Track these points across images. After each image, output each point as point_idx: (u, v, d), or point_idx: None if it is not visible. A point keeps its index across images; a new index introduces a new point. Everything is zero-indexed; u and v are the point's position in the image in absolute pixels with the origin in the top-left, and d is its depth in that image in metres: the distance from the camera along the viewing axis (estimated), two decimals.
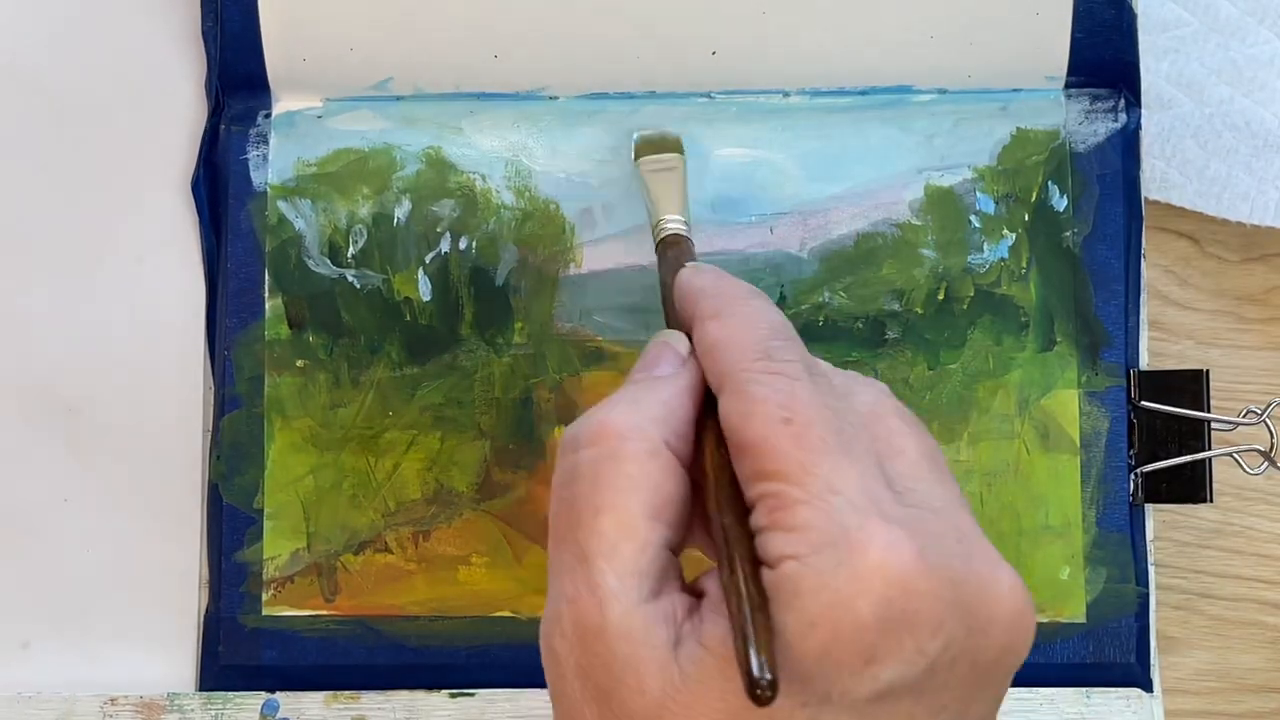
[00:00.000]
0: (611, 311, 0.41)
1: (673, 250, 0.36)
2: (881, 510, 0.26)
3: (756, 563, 0.26)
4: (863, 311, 0.41)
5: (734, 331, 0.29)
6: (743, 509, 0.27)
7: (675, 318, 0.32)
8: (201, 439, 0.41)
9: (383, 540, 0.40)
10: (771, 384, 0.28)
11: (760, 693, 0.24)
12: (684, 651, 0.26)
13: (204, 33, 0.42)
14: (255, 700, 0.40)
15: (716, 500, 0.28)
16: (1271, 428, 0.40)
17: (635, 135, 0.40)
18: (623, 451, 0.28)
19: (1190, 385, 0.40)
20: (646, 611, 0.27)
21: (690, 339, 0.31)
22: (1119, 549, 0.40)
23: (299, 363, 0.41)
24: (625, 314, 0.41)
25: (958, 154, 0.41)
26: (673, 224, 0.37)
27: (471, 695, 0.40)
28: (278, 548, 0.40)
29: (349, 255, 0.41)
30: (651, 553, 0.27)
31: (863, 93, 0.41)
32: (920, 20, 0.40)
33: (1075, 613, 0.40)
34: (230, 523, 0.41)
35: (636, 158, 0.40)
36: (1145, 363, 0.41)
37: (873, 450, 0.28)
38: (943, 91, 0.41)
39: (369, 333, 0.41)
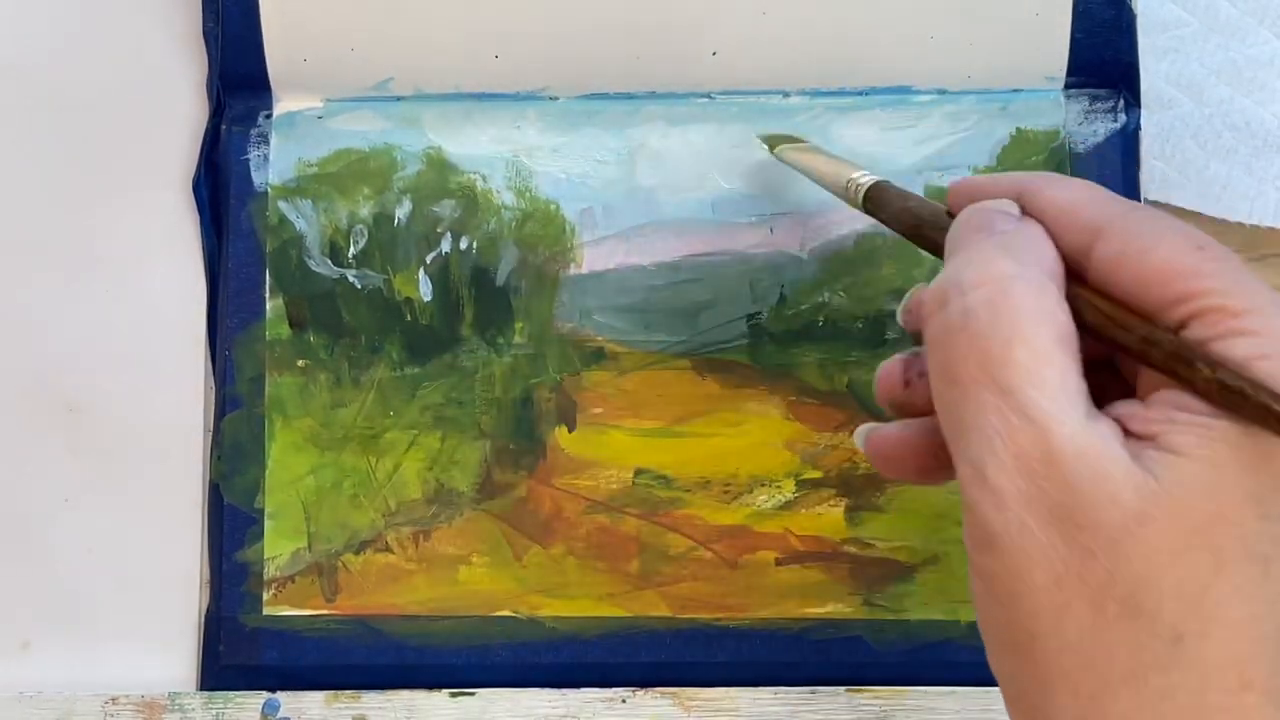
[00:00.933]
0: (611, 311, 0.41)
1: (888, 193, 0.35)
2: None
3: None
4: (863, 311, 0.41)
5: (1082, 190, 0.30)
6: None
7: (941, 236, 0.32)
8: (202, 439, 0.41)
9: (383, 540, 0.40)
10: (1162, 222, 0.28)
11: None
12: (1150, 459, 0.26)
13: (205, 33, 0.42)
14: (256, 700, 0.40)
15: (1126, 328, 0.28)
16: None
17: (758, 135, 0.41)
18: (1016, 288, 0.28)
19: None
20: (1091, 429, 0.26)
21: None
22: None
23: (300, 363, 0.41)
24: (625, 314, 0.41)
25: (957, 154, 0.41)
26: (865, 177, 0.36)
27: (471, 695, 0.40)
28: (278, 547, 0.41)
29: (350, 255, 0.41)
30: (1073, 378, 0.27)
31: (863, 93, 0.42)
32: (920, 20, 0.40)
33: None
34: (231, 522, 0.41)
35: (773, 149, 0.40)
36: None
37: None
38: (943, 91, 0.41)
39: (370, 333, 0.41)
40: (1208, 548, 0.26)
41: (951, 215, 0.32)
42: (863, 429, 0.33)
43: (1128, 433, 0.27)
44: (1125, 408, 0.28)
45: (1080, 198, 0.29)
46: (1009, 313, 0.27)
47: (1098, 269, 0.28)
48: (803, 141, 0.40)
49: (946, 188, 0.41)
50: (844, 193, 0.36)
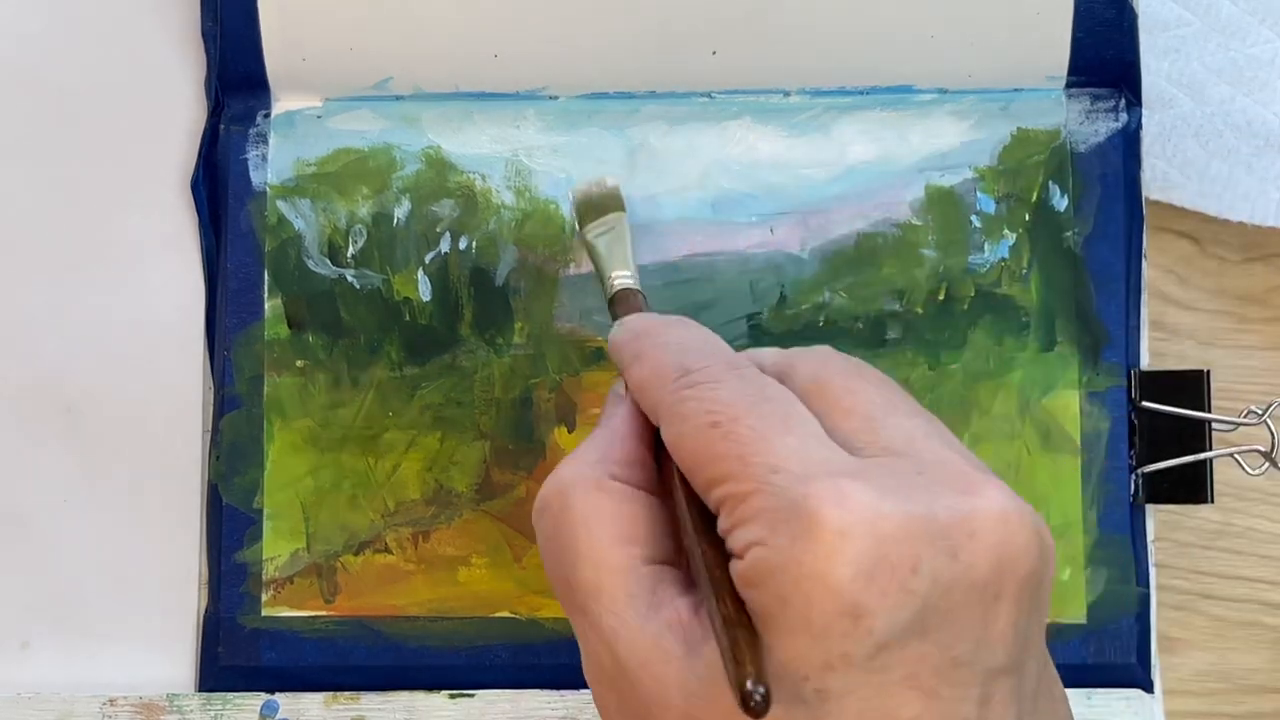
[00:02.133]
0: None
1: (621, 306, 0.37)
2: (829, 470, 0.26)
3: (726, 571, 0.27)
4: (863, 311, 0.41)
5: (651, 365, 0.30)
6: (710, 525, 0.28)
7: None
8: (201, 439, 0.41)
9: (382, 541, 0.40)
10: (694, 396, 0.28)
11: (754, 705, 0.25)
12: (700, 654, 0.27)
13: (204, 33, 0.42)
14: (255, 701, 0.40)
15: (682, 524, 0.29)
16: (1272, 428, 0.40)
17: (571, 193, 0.41)
18: (571, 499, 0.29)
19: (1191, 385, 0.40)
20: (649, 630, 0.27)
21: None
22: (1120, 550, 0.40)
23: (299, 363, 0.41)
24: None
25: (958, 154, 0.41)
26: (621, 279, 0.37)
27: (471, 695, 0.40)
28: (277, 548, 0.40)
29: (349, 255, 0.41)
30: (633, 575, 0.28)
31: (863, 92, 0.41)
32: (920, 20, 0.40)
33: (1076, 613, 0.40)
34: (230, 523, 0.41)
35: (580, 225, 0.40)
36: (1146, 363, 0.41)
37: (813, 419, 0.28)
38: (943, 91, 0.41)
39: (369, 333, 0.41)
40: None
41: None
42: None
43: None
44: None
45: (645, 378, 0.30)
46: (568, 529, 0.29)
47: (669, 452, 0.29)
48: (616, 211, 0.40)
49: (947, 188, 0.41)
50: (604, 289, 0.38)
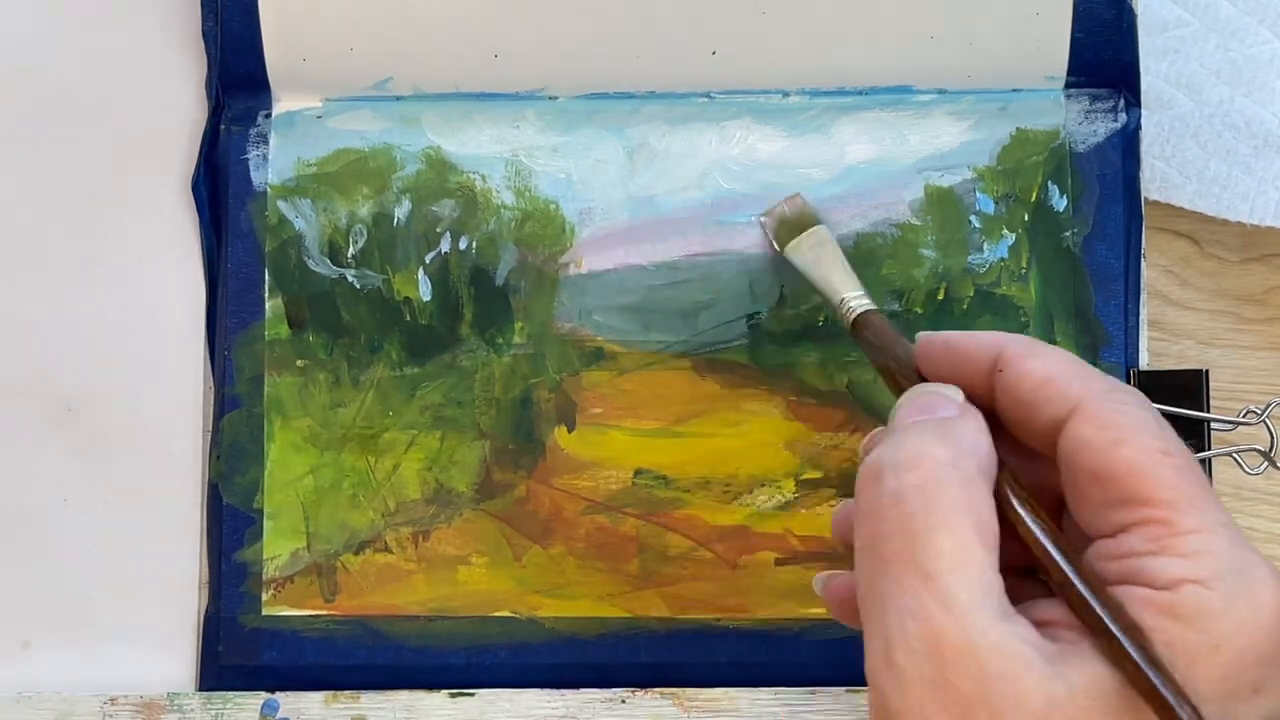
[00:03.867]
0: (611, 311, 0.41)
1: (872, 325, 0.36)
2: (1254, 548, 0.28)
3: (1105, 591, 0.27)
4: None
5: (1063, 363, 0.30)
6: (1077, 540, 0.28)
7: (907, 383, 0.33)
8: (201, 439, 0.41)
9: (382, 540, 0.40)
10: (1136, 415, 0.29)
11: None
12: (1064, 663, 0.27)
13: (204, 33, 0.42)
14: (255, 700, 0.40)
15: (1049, 541, 0.29)
16: (1271, 428, 0.40)
17: (759, 219, 0.40)
18: (948, 477, 0.28)
19: (1190, 385, 0.40)
20: (1006, 629, 0.27)
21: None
22: None
23: (299, 362, 0.41)
24: (625, 314, 0.41)
25: (957, 154, 0.41)
26: (858, 301, 0.37)
27: (471, 695, 0.40)
28: (278, 548, 0.40)
29: (349, 255, 0.41)
30: (990, 573, 0.28)
31: (863, 93, 0.41)
32: (920, 20, 0.40)
33: None
34: (230, 523, 0.41)
35: (781, 247, 0.40)
36: (1145, 363, 0.41)
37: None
38: (942, 91, 0.41)
39: (369, 332, 0.41)
40: None
41: (918, 372, 0.33)
42: (821, 576, 0.34)
43: (1052, 633, 0.28)
44: (1047, 610, 0.29)
45: (1060, 371, 0.30)
46: (939, 501, 0.28)
47: (1065, 447, 0.29)
48: (815, 225, 0.40)
49: (946, 188, 0.41)
50: (835, 309, 0.37)
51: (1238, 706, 0.26)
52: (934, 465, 0.29)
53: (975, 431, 0.30)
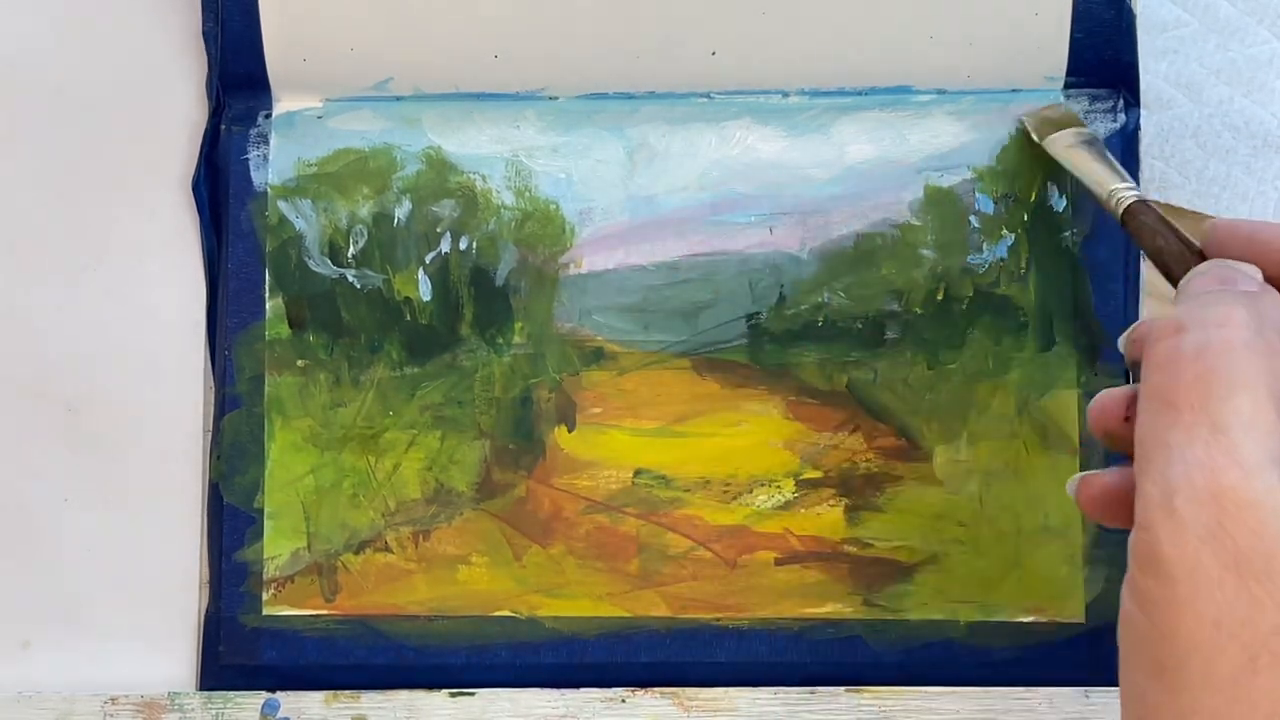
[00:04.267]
0: (611, 311, 0.41)
1: (1148, 212, 0.35)
2: None
3: None
4: (862, 311, 0.41)
5: None
6: None
7: (1188, 267, 0.33)
8: (202, 439, 0.41)
9: (383, 540, 0.40)
10: None
11: None
12: None
13: (204, 33, 0.42)
14: (255, 700, 0.40)
15: None
16: None
17: (1020, 116, 0.41)
18: (1252, 341, 0.28)
19: None
20: None
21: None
22: (1118, 548, 0.40)
23: (299, 362, 0.41)
24: (625, 314, 0.41)
25: (957, 154, 0.41)
26: (1128, 191, 0.36)
27: (471, 695, 0.40)
28: (278, 547, 0.41)
29: (349, 255, 0.41)
30: (1277, 441, 0.27)
31: (863, 93, 0.42)
32: (920, 20, 0.40)
33: (1075, 612, 0.40)
34: (230, 522, 0.41)
35: (1040, 138, 0.40)
36: None
37: None
38: (942, 91, 0.41)
39: (369, 332, 0.41)
40: None
41: (1200, 254, 0.33)
42: (1075, 478, 0.33)
43: None
44: None
45: None
46: (1241, 361, 0.28)
47: None
48: (1072, 125, 0.40)
49: (946, 188, 0.41)
50: (1105, 201, 0.37)
51: None
52: (1239, 327, 0.28)
53: (1275, 305, 0.30)
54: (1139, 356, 0.30)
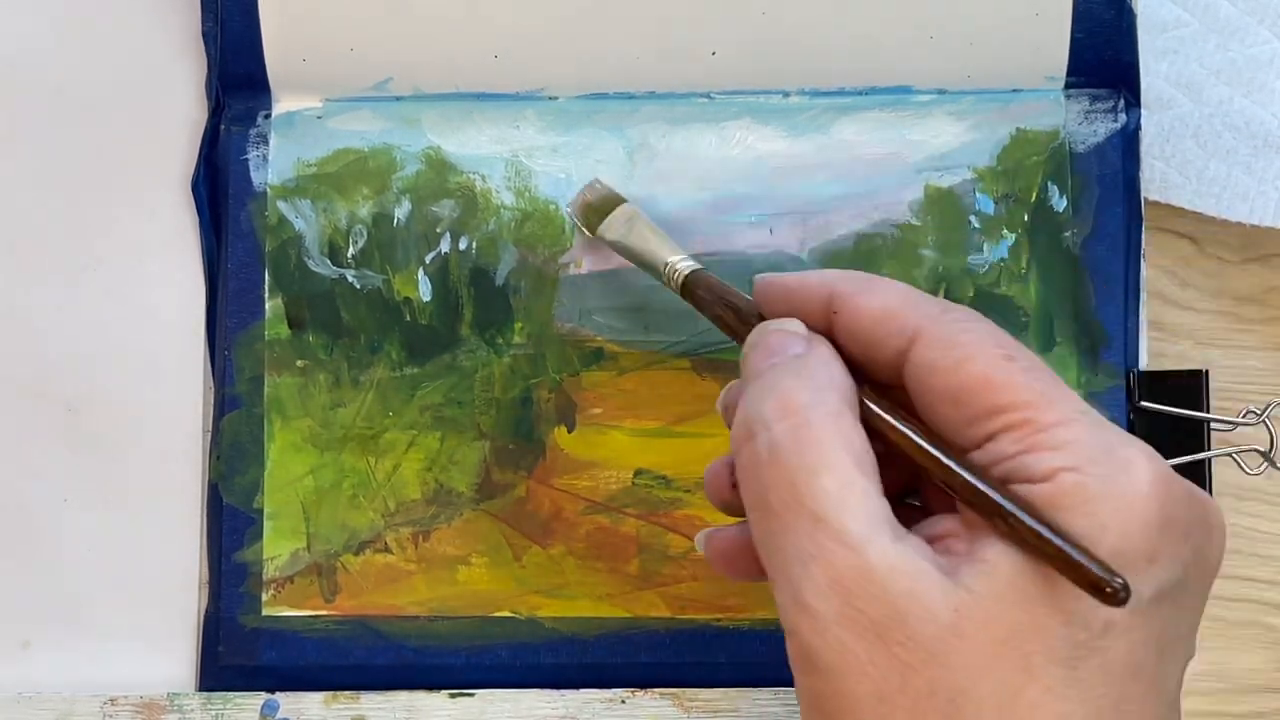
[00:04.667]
0: (611, 311, 0.41)
1: (702, 281, 0.36)
2: (1120, 430, 0.29)
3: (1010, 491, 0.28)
4: None
5: (896, 295, 0.31)
6: (952, 450, 0.29)
7: (749, 330, 0.33)
8: (201, 439, 0.41)
9: (382, 540, 0.40)
10: (975, 328, 0.30)
11: (1117, 593, 0.26)
12: (963, 572, 0.27)
13: (204, 33, 0.42)
14: (255, 700, 0.40)
15: (924, 450, 0.29)
16: (1271, 428, 0.40)
17: (566, 210, 0.41)
18: (814, 416, 0.29)
19: (1190, 386, 0.40)
20: (902, 550, 0.28)
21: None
22: None
23: (299, 363, 0.41)
24: (625, 314, 0.41)
25: (957, 154, 0.41)
26: (683, 263, 0.37)
27: (471, 695, 0.40)
28: (278, 548, 0.41)
29: (349, 255, 0.41)
30: (875, 500, 0.28)
31: (863, 93, 0.41)
32: (920, 20, 0.40)
33: None
34: (230, 523, 0.41)
35: (593, 231, 0.40)
36: (1145, 363, 0.41)
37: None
38: (942, 91, 0.41)
39: (369, 333, 0.41)
40: (1018, 654, 0.27)
41: (760, 315, 0.33)
42: (702, 534, 0.34)
43: (943, 546, 0.29)
44: (937, 525, 0.29)
45: (891, 303, 0.31)
46: (812, 443, 0.29)
47: (913, 375, 0.30)
48: (621, 204, 0.40)
49: (946, 188, 0.41)
50: (663, 276, 0.37)
51: (1135, 580, 0.27)
52: (798, 409, 0.29)
53: (828, 362, 0.30)
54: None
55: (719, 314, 0.35)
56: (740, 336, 0.33)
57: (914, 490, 0.32)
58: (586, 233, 0.40)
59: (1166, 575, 0.28)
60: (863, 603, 0.27)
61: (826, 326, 0.32)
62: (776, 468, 0.29)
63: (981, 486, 0.28)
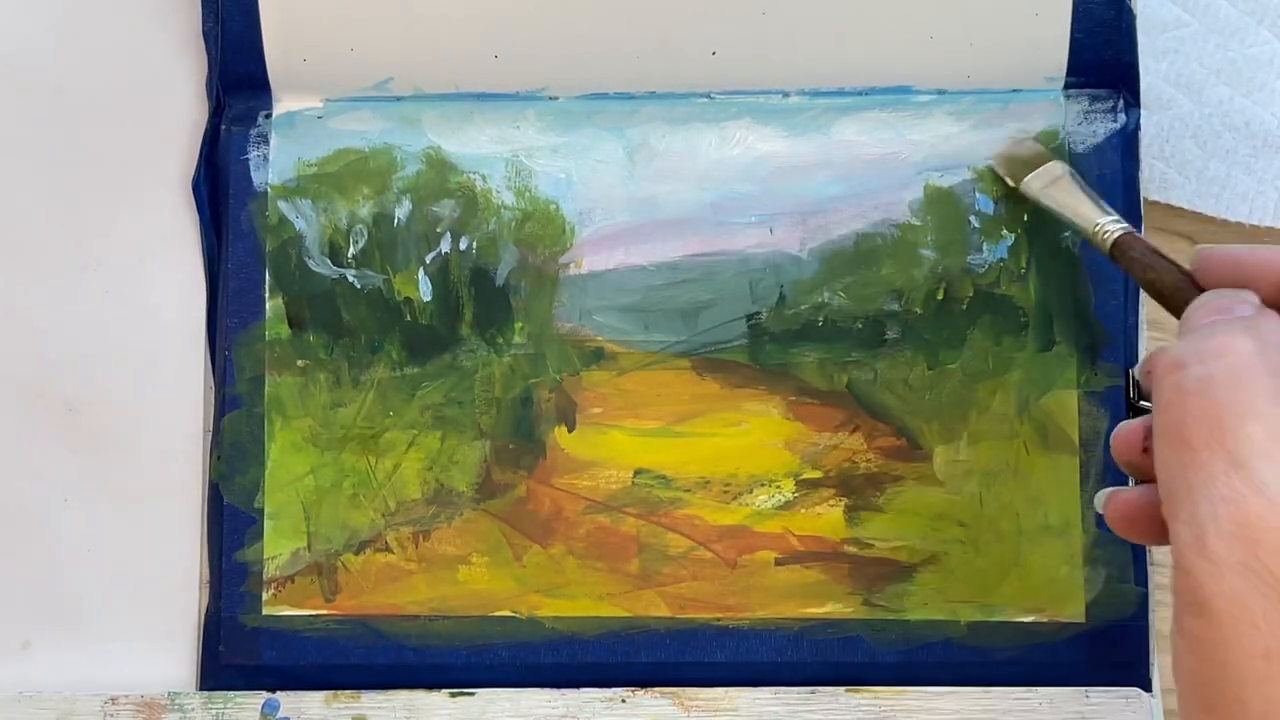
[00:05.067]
0: (611, 311, 0.41)
1: (1137, 244, 0.36)
2: None
3: None
4: (862, 311, 0.41)
5: None
6: None
7: (1183, 296, 0.33)
8: (202, 439, 0.41)
9: (383, 540, 0.40)
10: None
11: None
12: None
13: (204, 33, 0.42)
14: (255, 700, 0.40)
15: None
16: None
17: (988, 161, 0.41)
18: (1255, 365, 0.28)
19: None
20: None
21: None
22: (1118, 548, 0.40)
23: (299, 363, 0.41)
24: (625, 314, 0.41)
25: (957, 154, 0.41)
26: (1114, 224, 0.37)
27: (471, 695, 0.40)
28: (278, 547, 0.41)
29: (349, 255, 0.41)
30: None
31: (863, 93, 0.42)
32: (920, 20, 0.40)
33: (1075, 612, 0.40)
34: (231, 522, 0.41)
35: (1015, 182, 0.40)
36: None
37: None
38: (942, 92, 0.41)
39: (369, 333, 0.41)
40: None
41: (1194, 282, 0.33)
42: (1103, 493, 0.33)
43: None
44: None
45: None
46: (1247, 387, 0.28)
47: None
48: (1044, 160, 0.40)
49: (946, 188, 0.41)
50: (1092, 237, 0.37)
51: None
52: (1241, 354, 0.28)
53: (1274, 329, 0.30)
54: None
55: (1152, 278, 0.35)
56: (1173, 303, 0.33)
57: None
58: (1010, 182, 0.40)
59: None
60: (1269, 557, 0.27)
61: (1276, 301, 0.31)
62: (1206, 402, 0.28)
63: None
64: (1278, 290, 0.31)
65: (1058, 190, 0.39)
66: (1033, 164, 0.40)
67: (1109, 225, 0.37)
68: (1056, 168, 0.40)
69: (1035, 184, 0.39)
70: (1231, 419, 0.28)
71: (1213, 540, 0.27)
